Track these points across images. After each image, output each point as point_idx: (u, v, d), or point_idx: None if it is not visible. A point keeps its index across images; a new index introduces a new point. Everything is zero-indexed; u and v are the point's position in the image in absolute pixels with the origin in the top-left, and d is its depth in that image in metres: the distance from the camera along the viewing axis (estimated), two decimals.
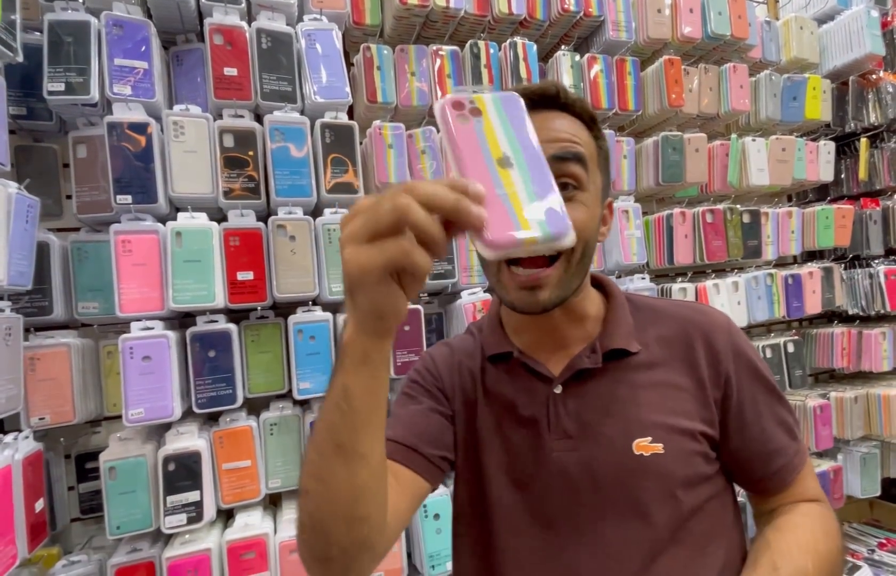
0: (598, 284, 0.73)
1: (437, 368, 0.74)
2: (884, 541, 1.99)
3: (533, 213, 0.39)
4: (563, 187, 0.58)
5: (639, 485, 0.60)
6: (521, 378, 0.67)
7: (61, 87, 1.11)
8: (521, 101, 0.44)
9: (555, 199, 0.40)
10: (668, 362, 0.64)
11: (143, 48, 1.18)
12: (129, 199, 1.14)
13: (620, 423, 0.61)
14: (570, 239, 0.39)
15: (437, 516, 1.31)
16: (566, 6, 1.54)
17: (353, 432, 0.45)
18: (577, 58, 1.62)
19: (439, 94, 1.47)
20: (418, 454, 0.65)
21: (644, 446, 0.60)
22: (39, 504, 1.07)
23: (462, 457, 0.70)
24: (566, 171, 0.59)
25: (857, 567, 1.73)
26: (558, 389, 0.64)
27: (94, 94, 1.13)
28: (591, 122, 0.65)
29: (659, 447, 0.60)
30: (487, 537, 0.66)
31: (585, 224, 0.60)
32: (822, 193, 2.28)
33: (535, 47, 1.55)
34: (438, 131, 1.45)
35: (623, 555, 0.59)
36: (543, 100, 0.62)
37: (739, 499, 0.71)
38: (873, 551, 1.94)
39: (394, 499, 0.57)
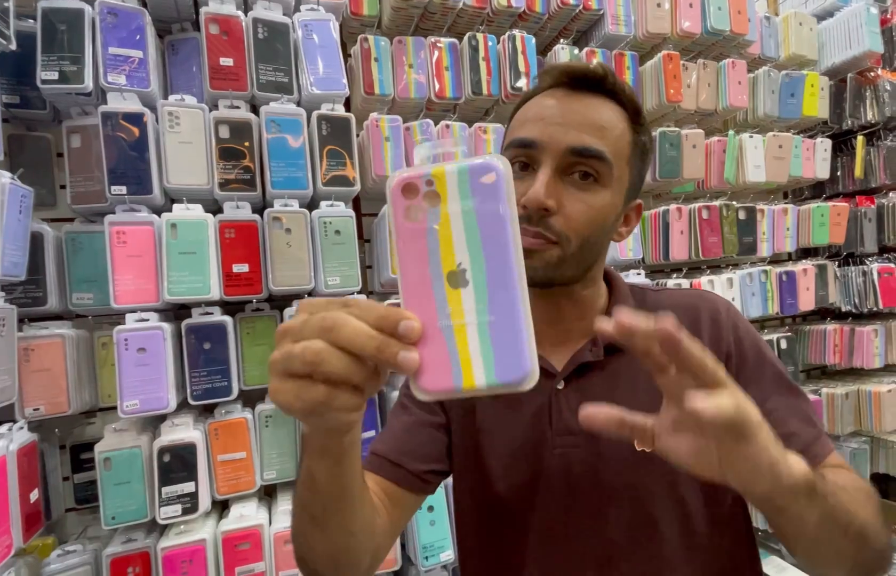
0: (604, 276, 0.71)
1: None
2: None
3: (482, 352, 0.32)
4: (582, 175, 0.57)
5: (641, 482, 0.59)
6: None
7: (55, 75, 1.10)
8: (502, 173, 0.32)
9: (517, 327, 0.32)
10: None
11: (138, 37, 1.17)
12: (123, 189, 1.13)
13: None
14: (527, 384, 0.32)
15: (430, 509, 1.32)
16: None
17: (323, 509, 0.47)
18: (576, 51, 1.61)
19: (437, 86, 1.46)
20: (405, 471, 0.65)
21: None
22: (34, 495, 1.07)
23: (461, 460, 0.69)
24: (585, 163, 0.57)
25: None
26: (560, 385, 0.63)
27: (89, 83, 1.11)
28: (634, 114, 0.62)
29: None
30: (492, 537, 0.66)
31: (592, 220, 0.58)
32: (817, 190, 2.28)
33: (533, 40, 1.54)
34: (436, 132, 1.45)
35: (627, 553, 0.59)
36: (587, 82, 0.60)
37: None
38: None
39: (384, 515, 0.59)
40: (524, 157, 0.59)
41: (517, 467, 0.64)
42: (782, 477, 0.38)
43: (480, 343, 0.32)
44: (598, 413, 0.39)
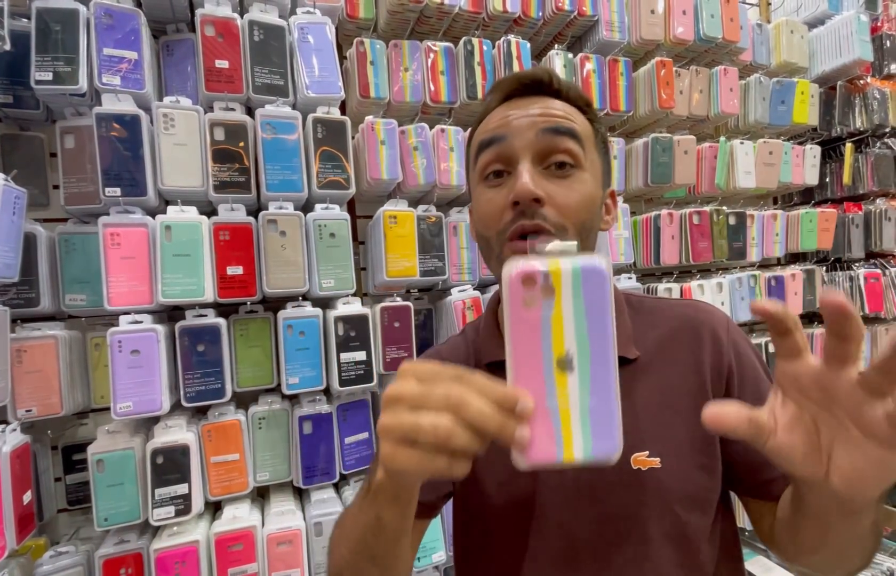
0: None
1: None
2: None
3: (581, 428, 0.36)
4: (559, 165, 0.57)
5: (636, 501, 0.58)
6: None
7: (49, 76, 1.09)
8: (608, 274, 0.36)
9: (611, 409, 0.36)
10: (667, 367, 0.62)
11: (133, 38, 1.16)
12: (117, 191, 1.13)
13: None
14: (616, 457, 0.36)
15: None
16: (560, 5, 1.54)
17: (386, 547, 0.51)
18: (570, 57, 1.62)
19: (432, 88, 1.47)
20: (421, 503, 0.67)
21: (642, 460, 0.58)
22: (27, 497, 1.07)
23: (458, 481, 0.69)
24: (560, 146, 0.57)
25: None
26: None
27: (83, 84, 1.11)
28: (586, 106, 0.63)
29: (656, 461, 0.57)
30: (489, 553, 0.65)
31: (581, 206, 0.57)
32: (806, 196, 2.31)
33: (528, 45, 1.55)
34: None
35: (623, 571, 0.58)
36: (535, 86, 0.61)
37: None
38: None
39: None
40: (497, 161, 0.59)
41: (514, 483, 0.63)
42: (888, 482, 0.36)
43: (581, 422, 0.36)
44: (727, 414, 0.36)
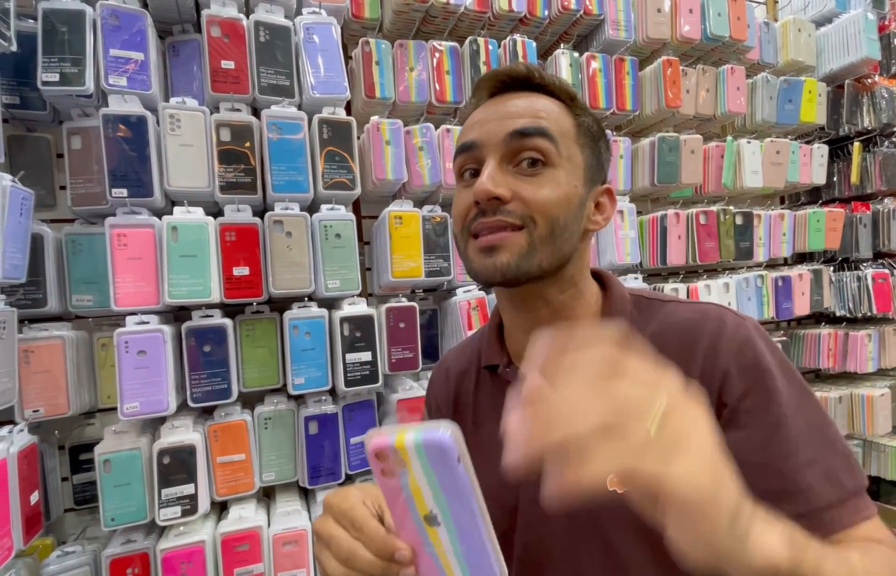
0: (601, 280, 0.67)
1: (434, 402, 0.76)
2: None
3: (460, 568, 0.41)
4: (530, 163, 0.56)
5: (611, 523, 0.54)
6: (506, 392, 0.65)
7: (56, 77, 1.10)
8: (451, 450, 0.38)
9: (483, 549, 0.40)
10: None
11: (139, 39, 1.16)
12: (124, 192, 1.13)
13: None
14: None
15: None
16: (566, 4, 1.54)
17: None
18: (576, 56, 1.62)
19: (437, 88, 1.47)
20: None
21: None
22: (34, 497, 1.07)
23: None
24: (529, 144, 0.55)
25: None
26: None
27: (89, 85, 1.11)
28: (569, 100, 0.60)
29: None
30: None
31: (551, 201, 0.55)
32: (814, 195, 2.30)
33: (534, 45, 1.55)
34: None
35: None
36: (514, 82, 0.60)
37: None
38: None
39: None
40: (471, 162, 0.59)
41: (500, 494, 0.62)
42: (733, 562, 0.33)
43: (459, 564, 0.41)
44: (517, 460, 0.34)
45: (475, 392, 0.70)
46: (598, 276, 0.67)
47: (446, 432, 0.38)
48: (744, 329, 0.55)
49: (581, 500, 0.53)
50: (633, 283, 1.67)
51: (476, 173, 0.58)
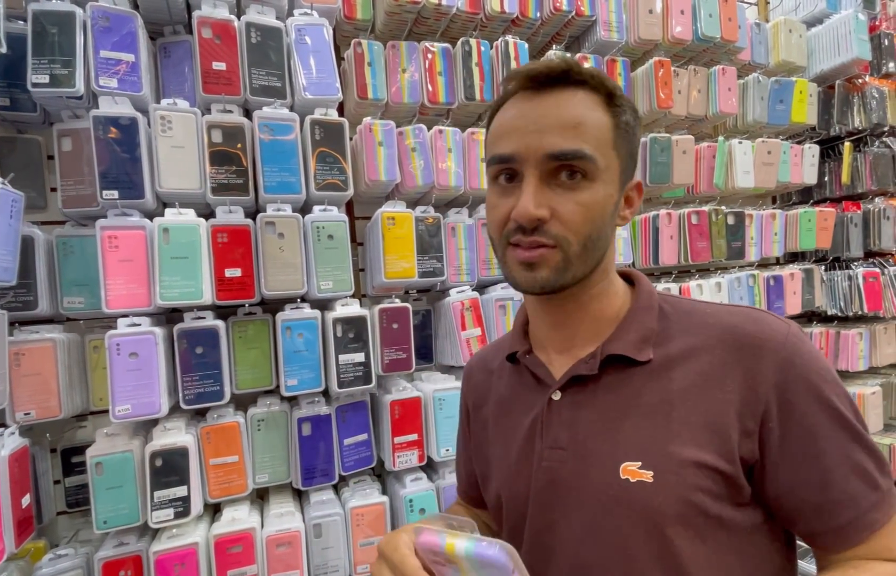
0: (629, 279, 0.67)
1: (465, 394, 0.82)
2: None
3: None
4: (569, 174, 0.55)
5: (622, 514, 0.54)
6: (526, 381, 0.67)
7: (46, 79, 1.09)
8: (507, 562, 0.42)
9: None
10: (689, 376, 0.56)
11: (130, 40, 1.16)
12: (115, 194, 1.13)
13: (611, 441, 0.56)
14: None
15: (422, 511, 1.33)
16: (558, 5, 1.54)
17: None
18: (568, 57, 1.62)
19: (430, 89, 1.47)
20: (479, 497, 0.77)
21: (631, 470, 0.54)
22: (26, 500, 1.07)
23: (480, 469, 0.74)
24: (567, 164, 0.55)
25: None
26: (557, 395, 0.61)
27: (80, 86, 1.11)
28: (608, 96, 0.58)
29: (648, 475, 0.53)
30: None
31: (586, 218, 0.55)
32: (805, 195, 2.32)
33: (526, 46, 1.55)
34: (429, 131, 1.46)
35: None
36: (551, 79, 0.57)
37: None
38: None
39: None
40: (508, 170, 0.58)
41: (514, 478, 0.64)
42: None
43: None
44: None
45: (498, 380, 0.73)
46: (626, 275, 0.67)
47: (503, 553, 0.42)
48: (793, 338, 0.55)
49: (594, 493, 0.56)
50: None
51: (511, 177, 0.58)
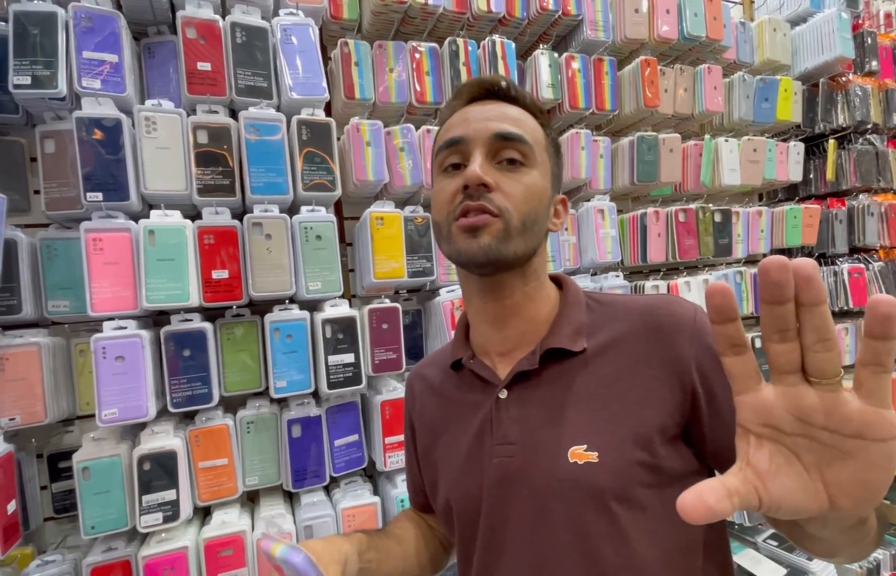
0: (557, 283, 0.72)
1: (410, 405, 0.83)
2: None
3: None
4: (510, 161, 0.62)
5: (572, 496, 0.57)
6: (472, 384, 0.69)
7: (27, 80, 1.08)
8: (310, 570, 0.54)
9: None
10: (617, 360, 0.61)
11: (113, 41, 1.15)
12: (99, 196, 1.12)
13: (558, 428, 0.60)
14: None
15: None
16: (545, 5, 1.55)
17: None
18: (556, 56, 1.63)
19: (418, 89, 1.47)
20: (426, 501, 0.79)
21: (578, 453, 0.58)
22: (12, 506, 1.06)
23: (430, 481, 0.74)
24: (510, 146, 0.62)
25: None
26: (503, 394, 0.64)
27: (62, 87, 1.10)
28: (539, 114, 0.68)
29: (593, 456, 0.57)
30: (459, 549, 0.70)
31: (526, 196, 0.61)
32: (791, 192, 2.34)
33: (513, 45, 1.56)
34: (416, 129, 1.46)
35: (561, 569, 0.58)
36: (492, 92, 0.66)
37: None
38: None
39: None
40: (455, 156, 0.64)
41: (464, 478, 0.66)
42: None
43: None
44: (705, 501, 0.34)
45: (442, 389, 0.75)
46: (555, 279, 0.73)
47: (304, 556, 0.53)
48: (701, 313, 0.61)
49: (544, 478, 0.59)
50: (615, 281, 1.69)
51: (458, 166, 0.64)
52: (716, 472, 0.62)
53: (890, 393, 0.33)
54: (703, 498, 0.34)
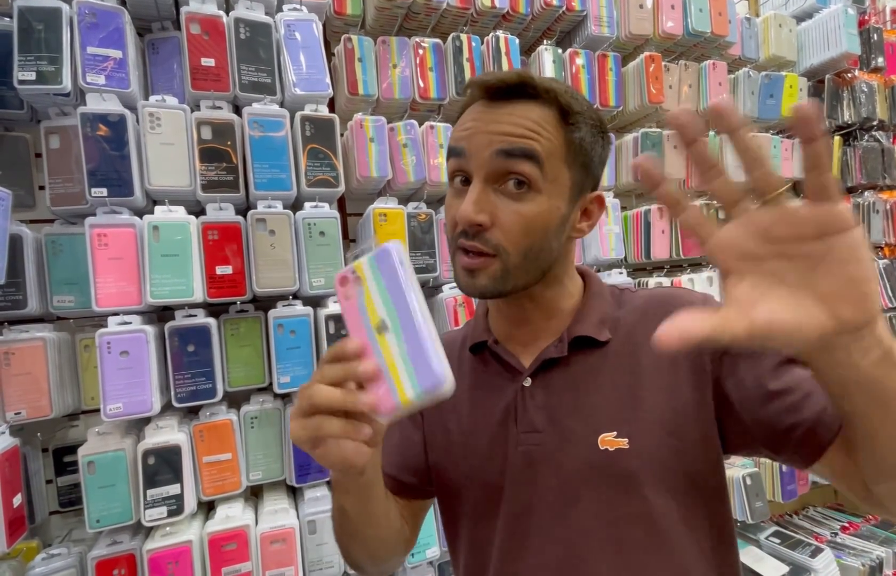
0: (582, 276, 0.71)
1: None
2: (846, 524, 2.09)
3: (407, 374, 0.44)
4: (517, 183, 0.57)
5: (603, 481, 0.58)
6: (495, 371, 0.68)
7: (32, 75, 1.08)
8: (394, 252, 0.46)
9: (428, 353, 0.44)
10: (640, 349, 0.61)
11: (118, 36, 1.15)
12: (104, 191, 1.12)
13: (586, 416, 0.60)
14: (444, 389, 0.44)
15: None
16: (549, 0, 1.54)
17: (354, 529, 0.61)
18: (560, 52, 1.62)
19: (421, 85, 1.47)
20: (403, 484, 0.73)
21: (609, 440, 0.58)
22: (17, 499, 1.06)
23: (438, 462, 0.71)
24: (513, 167, 0.56)
25: (819, 550, 1.82)
26: (527, 382, 0.64)
27: (67, 83, 1.10)
28: (563, 113, 0.59)
29: (623, 442, 0.58)
30: (469, 535, 0.68)
31: (526, 229, 0.57)
32: (796, 189, 2.32)
33: (517, 41, 1.55)
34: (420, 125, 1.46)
35: (590, 554, 0.58)
36: (504, 91, 0.59)
37: None
38: (836, 534, 2.03)
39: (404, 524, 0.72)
40: (460, 171, 0.60)
41: (486, 466, 0.65)
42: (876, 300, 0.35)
43: (405, 369, 0.44)
44: (689, 326, 0.34)
45: (460, 372, 0.71)
46: (578, 271, 0.71)
47: (391, 244, 0.46)
48: (712, 300, 0.63)
49: (575, 466, 0.59)
50: (618, 278, 1.69)
51: (466, 181, 0.60)
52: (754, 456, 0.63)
53: (837, 190, 0.34)
54: (678, 323, 0.34)
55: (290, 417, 0.48)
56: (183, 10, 1.19)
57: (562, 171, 0.59)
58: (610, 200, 1.70)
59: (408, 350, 0.44)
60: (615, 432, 0.59)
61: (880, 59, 2.25)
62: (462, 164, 0.60)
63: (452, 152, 0.61)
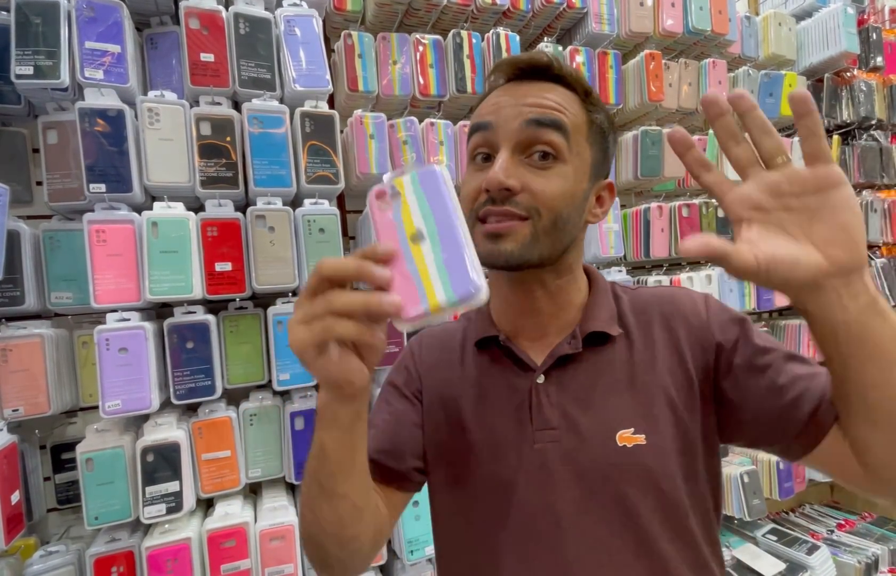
0: (586, 273, 0.71)
1: (417, 366, 0.73)
2: (842, 522, 2.11)
3: (440, 280, 0.43)
4: (542, 156, 0.58)
5: (622, 478, 0.58)
6: (504, 367, 0.66)
7: (30, 70, 1.08)
8: (441, 174, 0.45)
9: (465, 262, 0.42)
10: (649, 346, 0.63)
11: (116, 31, 1.15)
12: (102, 187, 1.11)
13: (603, 413, 0.60)
14: (480, 297, 0.42)
15: (415, 504, 1.33)
16: None
17: (331, 477, 0.54)
18: (560, 49, 1.62)
19: (421, 82, 1.46)
20: (388, 469, 0.67)
21: (627, 436, 0.59)
22: (15, 496, 1.06)
23: (437, 453, 0.68)
24: (542, 137, 0.58)
25: (815, 547, 1.83)
26: (541, 379, 0.63)
27: (65, 78, 1.09)
28: (585, 94, 0.63)
29: (641, 438, 0.59)
30: (472, 534, 0.65)
31: (557, 196, 0.58)
32: None
33: (517, 38, 1.55)
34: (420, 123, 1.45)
35: (610, 550, 0.58)
36: (534, 71, 0.62)
37: None
38: (832, 531, 2.04)
39: (380, 509, 0.65)
40: (484, 146, 0.61)
41: (497, 461, 0.63)
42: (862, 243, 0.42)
43: (439, 274, 0.43)
44: (710, 240, 0.41)
45: (465, 366, 0.70)
46: (583, 269, 0.71)
47: (437, 166, 0.46)
48: (711, 298, 0.66)
49: (593, 463, 0.60)
50: (617, 275, 1.69)
51: (488, 158, 0.61)
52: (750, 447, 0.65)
53: (830, 154, 0.42)
54: (702, 236, 0.41)
55: (289, 326, 0.45)
56: (182, 4, 1.19)
57: (584, 147, 0.62)
58: None
59: (444, 258, 0.43)
60: (632, 428, 0.60)
61: (879, 59, 2.26)
62: (488, 136, 0.60)
63: (477, 128, 0.62)
